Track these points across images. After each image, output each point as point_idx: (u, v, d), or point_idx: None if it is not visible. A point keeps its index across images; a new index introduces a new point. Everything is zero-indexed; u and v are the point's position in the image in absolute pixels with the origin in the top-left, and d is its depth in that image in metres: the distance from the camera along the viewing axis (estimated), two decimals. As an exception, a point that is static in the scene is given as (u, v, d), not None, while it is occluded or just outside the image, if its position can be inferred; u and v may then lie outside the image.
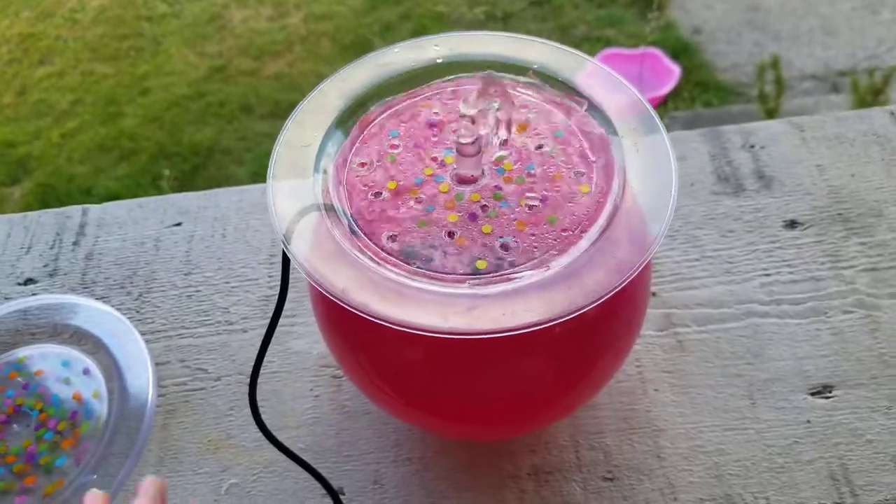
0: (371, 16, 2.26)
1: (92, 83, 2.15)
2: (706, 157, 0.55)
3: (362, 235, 0.34)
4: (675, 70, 1.86)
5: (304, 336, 0.49)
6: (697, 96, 1.92)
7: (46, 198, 1.84)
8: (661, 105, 1.83)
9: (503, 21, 2.25)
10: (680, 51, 2.01)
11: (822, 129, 0.56)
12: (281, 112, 2.00)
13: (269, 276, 0.52)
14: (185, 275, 0.53)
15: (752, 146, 0.56)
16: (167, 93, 2.09)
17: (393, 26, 2.22)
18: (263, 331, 0.49)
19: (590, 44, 2.11)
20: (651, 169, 0.35)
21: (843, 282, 0.48)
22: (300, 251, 0.34)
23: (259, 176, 1.82)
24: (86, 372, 0.47)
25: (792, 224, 0.51)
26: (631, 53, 1.89)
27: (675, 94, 1.87)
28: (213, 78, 2.12)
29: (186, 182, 1.86)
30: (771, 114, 1.61)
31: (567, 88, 0.39)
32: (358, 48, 2.14)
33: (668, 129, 0.36)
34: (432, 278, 0.33)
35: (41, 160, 1.96)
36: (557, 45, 0.40)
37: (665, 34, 2.06)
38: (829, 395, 0.44)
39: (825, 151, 0.55)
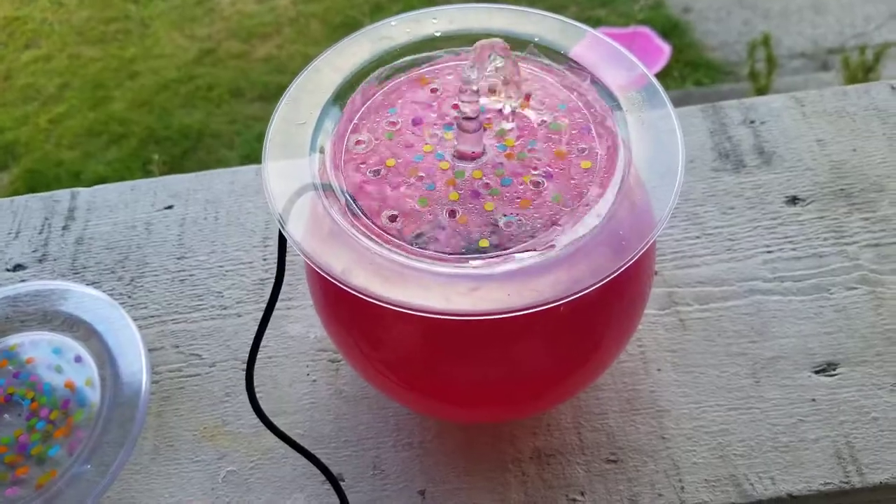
0: (360, -4, 2.24)
1: (79, 67, 2.12)
2: (706, 133, 0.54)
3: (361, 215, 0.33)
4: (666, 49, 1.85)
5: (300, 320, 0.48)
6: (688, 75, 1.91)
7: (35, 184, 1.82)
8: (653, 84, 1.82)
9: (494, 2, 2.23)
10: (670, 30, 2.00)
11: (822, 104, 0.55)
12: (271, 95, 1.99)
13: (264, 260, 0.51)
14: (178, 259, 0.52)
15: (752, 122, 0.55)
16: (156, 76, 2.06)
17: (383, 7, 2.20)
18: (258, 315, 0.49)
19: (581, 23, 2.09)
20: (656, 145, 0.35)
21: (847, 258, 0.47)
22: (297, 232, 0.33)
23: (250, 159, 1.80)
24: (78, 359, 0.46)
25: (793, 200, 0.50)
26: (621, 32, 1.88)
27: (665, 73, 1.86)
28: (203, 61, 2.10)
29: (176, 167, 1.84)
30: (762, 92, 1.61)
31: (569, 62, 0.38)
32: (347, 29, 2.11)
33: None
34: (434, 258, 0.32)
35: (29, 146, 1.94)
36: (559, 17, 0.39)
37: (655, 13, 2.05)
38: (833, 372, 0.43)
39: (826, 126, 0.54)
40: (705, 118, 0.55)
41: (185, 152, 1.91)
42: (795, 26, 2.02)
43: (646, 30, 1.89)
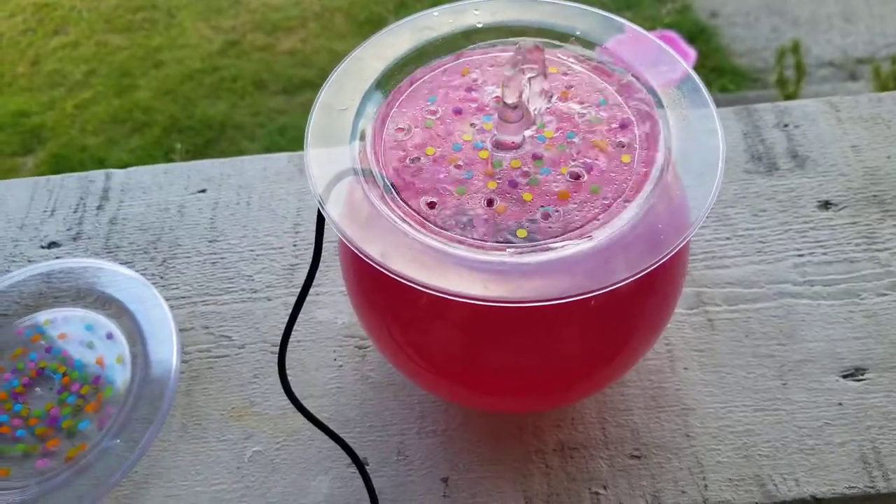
0: (386, -9, 2.24)
1: (106, 54, 2.14)
2: (739, 135, 0.54)
3: (400, 201, 0.34)
4: (692, 54, 1.84)
5: (328, 305, 0.49)
6: (713, 81, 1.90)
7: (60, 168, 1.84)
8: (679, 89, 1.81)
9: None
10: (696, 34, 1.99)
11: (857, 110, 0.55)
12: (294, 88, 2.00)
13: (294, 245, 0.52)
14: (210, 241, 0.52)
15: (786, 125, 0.55)
16: (181, 66, 2.08)
17: (408, 3, 2.21)
18: (288, 299, 0.49)
19: (606, 26, 2.08)
20: (695, 143, 0.35)
21: (878, 264, 0.47)
22: (336, 216, 0.33)
23: (271, 152, 1.81)
24: (109, 336, 0.47)
25: (826, 205, 0.50)
26: (648, 36, 1.87)
27: (691, 78, 1.85)
28: (227, 52, 2.11)
29: (199, 156, 1.85)
30: (790, 99, 1.59)
31: (610, 56, 0.38)
32: (372, 25, 2.12)
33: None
34: (472, 246, 0.32)
35: (55, 130, 1.96)
36: (601, 11, 0.39)
37: (682, 17, 2.04)
38: (861, 377, 0.43)
39: (861, 132, 0.54)
40: (739, 120, 0.55)
41: (208, 142, 1.92)
42: (824, 34, 2.00)
43: (672, 34, 1.88)
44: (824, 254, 0.48)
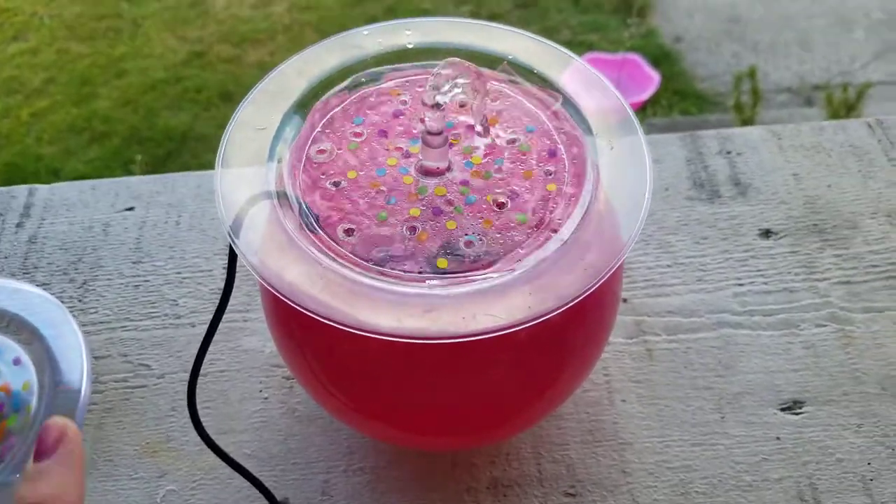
0: (356, 9, 2.23)
1: (66, 62, 2.10)
2: (682, 161, 0.54)
3: (316, 227, 0.32)
4: (655, 77, 1.85)
5: (257, 332, 0.47)
6: (675, 104, 1.92)
7: (13, 177, 1.79)
8: (640, 111, 1.83)
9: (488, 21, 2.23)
10: (660, 58, 2.01)
11: (799, 138, 0.55)
12: (258, 101, 1.97)
13: (224, 268, 0.50)
14: (134, 263, 0.50)
15: (729, 152, 0.54)
16: (144, 76, 2.04)
17: (377, 20, 2.19)
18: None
19: (572, 48, 2.08)
20: (625, 170, 0.33)
21: (817, 294, 0.46)
22: (248, 242, 0.31)
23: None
24: (16, 362, 0.44)
25: (767, 233, 0.50)
26: (611, 59, 1.88)
27: (653, 100, 1.87)
28: (192, 63, 2.08)
29: (159, 168, 1.81)
30: (746, 124, 1.61)
31: (542, 82, 0.37)
32: (339, 40, 2.11)
33: (645, 133, 0.34)
34: (389, 276, 0.30)
35: (9, 138, 1.91)
36: (535, 36, 0.38)
37: (646, 41, 2.06)
38: (799, 410, 0.42)
39: (802, 161, 0.53)
40: (683, 146, 0.55)
41: (169, 154, 1.88)
42: (783, 61, 2.04)
43: (636, 57, 1.90)
44: (764, 283, 0.47)
